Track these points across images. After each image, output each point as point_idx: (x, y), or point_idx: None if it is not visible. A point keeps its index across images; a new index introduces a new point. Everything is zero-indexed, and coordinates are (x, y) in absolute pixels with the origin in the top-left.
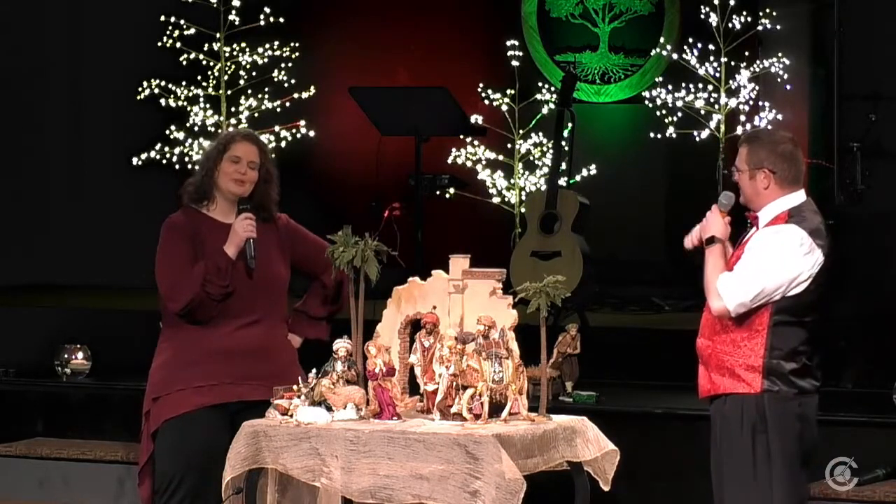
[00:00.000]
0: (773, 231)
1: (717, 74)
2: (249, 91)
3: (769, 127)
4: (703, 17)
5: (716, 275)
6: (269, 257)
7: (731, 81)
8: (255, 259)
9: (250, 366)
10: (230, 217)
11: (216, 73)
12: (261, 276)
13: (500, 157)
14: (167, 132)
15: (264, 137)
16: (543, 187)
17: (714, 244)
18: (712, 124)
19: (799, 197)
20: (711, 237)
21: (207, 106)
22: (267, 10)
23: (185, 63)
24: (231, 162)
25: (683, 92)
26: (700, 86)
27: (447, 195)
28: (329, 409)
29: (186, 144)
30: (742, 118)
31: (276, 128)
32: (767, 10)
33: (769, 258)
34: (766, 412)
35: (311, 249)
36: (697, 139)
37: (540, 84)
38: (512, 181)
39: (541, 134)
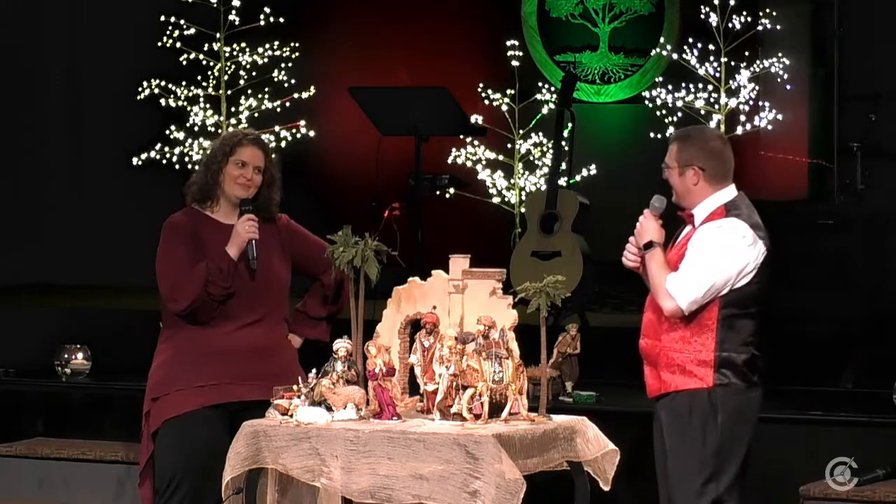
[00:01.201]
0: (714, 226)
1: (717, 74)
2: (249, 91)
3: (767, 127)
4: (703, 17)
5: (662, 277)
6: (269, 258)
7: (731, 81)
8: (256, 260)
9: (250, 366)
10: (232, 218)
11: (216, 73)
12: (261, 276)
13: (500, 157)
14: (167, 132)
15: (264, 137)
16: (543, 187)
17: (653, 248)
18: (712, 124)
19: (731, 192)
20: (649, 242)
21: (207, 106)
22: (267, 10)
23: (185, 63)
24: (236, 166)
25: (683, 92)
26: (700, 86)
27: (447, 195)
28: (329, 409)
29: (186, 144)
30: (742, 118)
31: (276, 128)
32: (767, 10)
33: (715, 252)
34: (718, 406)
35: (312, 250)
36: None
37: (540, 84)
38: (512, 181)
39: (541, 134)
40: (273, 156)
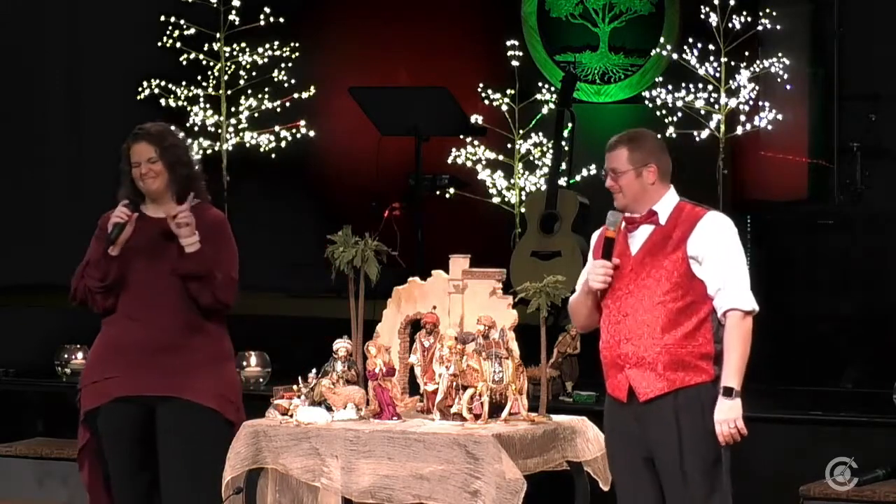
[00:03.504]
0: (712, 224)
1: (717, 74)
2: (249, 91)
3: (767, 127)
4: (703, 17)
5: (739, 350)
6: (167, 250)
7: (731, 81)
8: (113, 242)
9: (150, 360)
10: (160, 212)
11: (216, 73)
12: (157, 268)
13: (500, 157)
14: None
15: (264, 137)
16: (543, 187)
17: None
18: (712, 124)
19: (674, 192)
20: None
21: (207, 106)
22: (267, 10)
23: (185, 63)
24: (135, 167)
25: (683, 92)
26: (700, 86)
27: (447, 195)
28: (329, 409)
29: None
30: (742, 118)
31: (276, 128)
32: (767, 10)
33: (735, 248)
34: (714, 396)
35: (214, 253)
36: (697, 139)
37: (540, 84)
38: (512, 181)
39: (541, 134)
40: (170, 139)
